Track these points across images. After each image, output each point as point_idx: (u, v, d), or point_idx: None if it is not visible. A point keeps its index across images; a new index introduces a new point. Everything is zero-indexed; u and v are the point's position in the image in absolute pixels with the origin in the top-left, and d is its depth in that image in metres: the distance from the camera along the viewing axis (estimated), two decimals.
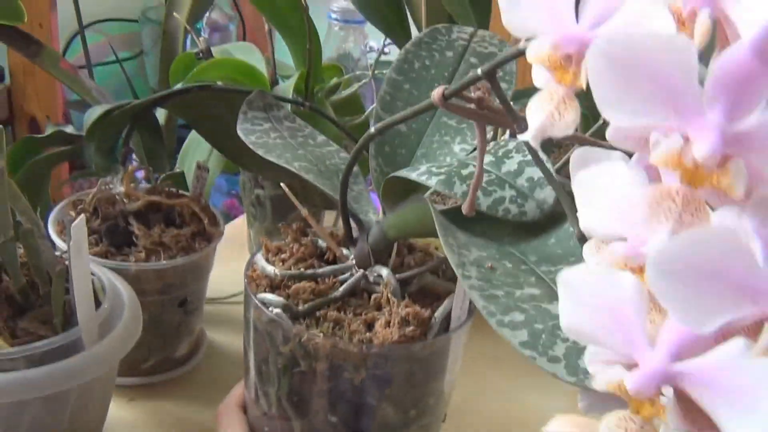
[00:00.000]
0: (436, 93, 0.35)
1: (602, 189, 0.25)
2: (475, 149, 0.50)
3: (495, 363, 0.77)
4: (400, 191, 0.46)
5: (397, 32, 0.81)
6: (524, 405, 0.71)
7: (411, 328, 0.44)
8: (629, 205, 0.23)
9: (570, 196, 0.27)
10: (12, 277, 0.51)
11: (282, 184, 0.49)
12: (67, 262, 0.51)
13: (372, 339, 0.45)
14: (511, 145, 0.43)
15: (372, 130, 0.43)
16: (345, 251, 0.50)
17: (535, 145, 0.26)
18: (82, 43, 1.08)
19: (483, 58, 0.53)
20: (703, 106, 0.21)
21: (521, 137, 0.27)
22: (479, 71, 0.33)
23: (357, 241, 0.48)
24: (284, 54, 0.91)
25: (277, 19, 0.85)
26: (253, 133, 0.52)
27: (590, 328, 0.23)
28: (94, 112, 0.66)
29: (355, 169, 0.53)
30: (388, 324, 0.44)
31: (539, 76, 0.27)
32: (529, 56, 0.26)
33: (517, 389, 0.74)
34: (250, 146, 0.50)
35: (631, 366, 0.23)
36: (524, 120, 0.31)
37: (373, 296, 0.47)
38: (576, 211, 0.27)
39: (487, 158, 0.43)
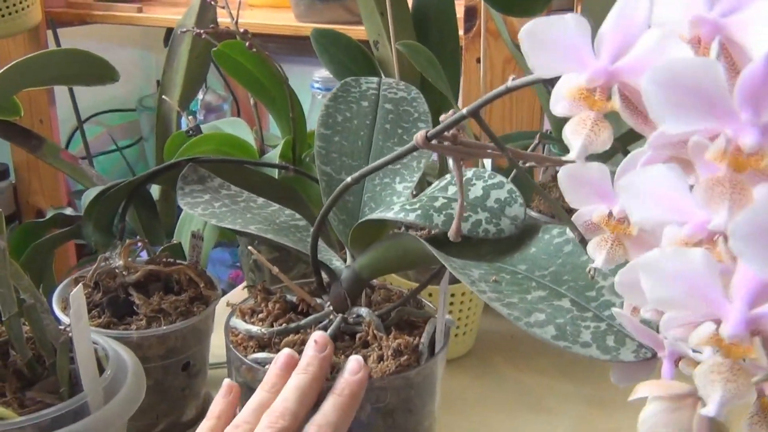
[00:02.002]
0: (419, 135, 0.38)
1: (649, 188, 0.30)
2: (427, 184, 0.54)
3: (498, 405, 0.79)
4: (371, 233, 0.49)
5: None
6: None
7: (405, 357, 0.47)
8: (680, 196, 0.29)
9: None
10: (19, 351, 0.54)
11: (249, 248, 0.52)
12: (70, 334, 0.54)
13: (371, 375, 0.47)
14: (469, 174, 0.47)
15: (349, 180, 0.46)
16: (319, 300, 0.52)
17: (581, 160, 0.32)
18: (81, 134, 1.14)
19: (395, 103, 0.59)
20: (736, 110, 0.27)
21: (568, 157, 0.32)
22: (464, 111, 0.37)
23: (329, 289, 0.51)
24: (276, 129, 0.96)
25: (260, 93, 0.90)
26: (197, 205, 0.55)
27: (673, 297, 0.29)
28: (92, 192, 0.70)
29: (304, 222, 0.56)
30: (380, 358, 0.47)
31: (559, 107, 0.33)
32: (562, 90, 0.32)
33: (518, 429, 0.75)
34: (199, 216, 0.53)
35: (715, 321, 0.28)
36: (509, 149, 0.36)
37: (358, 336, 0.49)
38: (569, 219, 0.35)
39: (452, 189, 0.46)
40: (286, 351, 0.47)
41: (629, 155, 0.33)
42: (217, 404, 0.49)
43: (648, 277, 0.29)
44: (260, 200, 0.60)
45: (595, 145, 0.31)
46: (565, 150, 0.32)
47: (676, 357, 0.34)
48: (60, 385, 0.53)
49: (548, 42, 0.32)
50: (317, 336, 0.47)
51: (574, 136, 0.32)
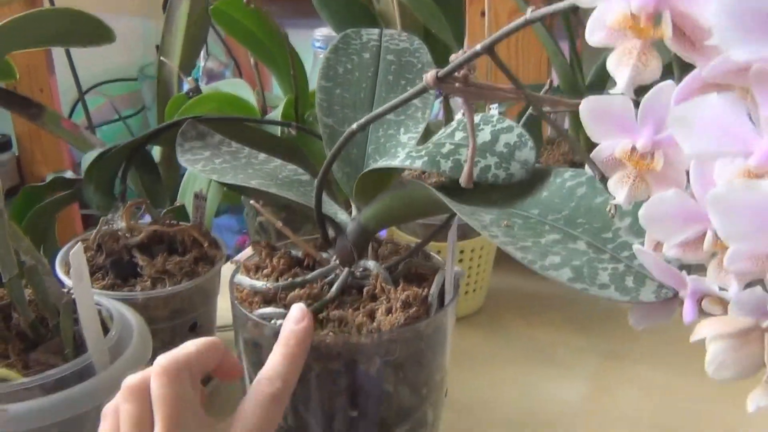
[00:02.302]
0: (429, 75, 0.37)
1: (706, 118, 0.28)
2: (425, 134, 0.52)
3: (512, 361, 0.78)
4: (376, 183, 0.48)
5: None
6: (539, 396, 0.72)
7: (414, 308, 0.45)
8: (741, 126, 0.27)
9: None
10: (21, 313, 0.53)
11: (252, 202, 0.51)
12: (73, 296, 0.53)
13: (380, 327, 0.46)
14: (477, 119, 0.45)
15: (354, 126, 0.45)
16: (324, 255, 0.51)
17: (629, 92, 0.30)
18: (82, 104, 1.12)
19: (398, 54, 0.57)
20: None
21: (615, 90, 0.30)
22: (478, 47, 0.36)
23: (335, 243, 0.50)
24: (280, 92, 0.94)
25: (260, 51, 0.88)
26: (197, 162, 0.54)
27: (742, 230, 0.27)
28: (92, 154, 0.68)
29: (307, 177, 0.55)
30: (389, 311, 0.45)
31: (597, 36, 0.31)
32: (605, 18, 0.30)
33: (533, 383, 0.74)
34: (199, 173, 0.52)
35: None
36: (526, 87, 0.34)
37: (365, 289, 0.48)
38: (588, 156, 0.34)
39: (460, 134, 0.45)
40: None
41: (654, 88, 0.31)
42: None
43: (717, 213, 0.28)
44: (262, 156, 0.58)
45: (643, 76, 0.30)
46: None
47: (699, 296, 0.32)
48: (64, 346, 0.53)
49: None
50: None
51: (619, 67, 0.30)
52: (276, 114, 0.81)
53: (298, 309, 0.45)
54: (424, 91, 0.39)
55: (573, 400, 0.71)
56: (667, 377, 0.75)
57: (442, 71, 0.38)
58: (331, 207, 0.54)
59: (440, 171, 0.44)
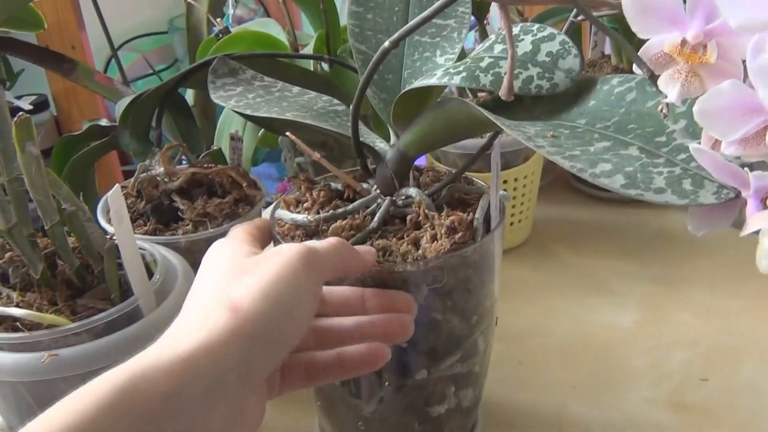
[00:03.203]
0: None
1: None
2: (461, 56, 0.50)
3: (562, 290, 0.77)
4: (414, 106, 0.46)
5: None
6: (591, 324, 0.71)
7: (459, 234, 0.44)
8: None
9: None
10: (66, 260, 0.53)
11: (287, 133, 0.49)
12: (116, 241, 0.53)
13: (425, 255, 0.45)
14: (516, 29, 0.43)
15: (387, 44, 0.43)
16: (365, 185, 0.50)
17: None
18: (115, 60, 1.11)
19: None
20: None
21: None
22: None
23: (374, 173, 0.48)
24: (311, 31, 0.92)
25: None
26: (230, 98, 0.53)
27: None
28: (125, 101, 0.67)
29: (343, 107, 0.53)
30: (434, 238, 0.44)
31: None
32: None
33: (584, 311, 0.73)
34: (232, 108, 0.50)
35: None
36: None
37: (408, 218, 0.46)
38: (635, 53, 0.33)
39: (499, 47, 0.43)
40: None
41: None
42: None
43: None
44: (296, 89, 0.57)
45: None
46: None
47: (764, 194, 0.30)
48: (110, 291, 0.53)
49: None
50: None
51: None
52: (308, 50, 0.79)
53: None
54: (452, 1, 0.37)
55: (626, 326, 0.70)
56: (723, 300, 0.73)
57: None
58: (369, 136, 0.52)
59: (480, 85, 0.42)
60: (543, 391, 0.62)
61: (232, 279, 0.38)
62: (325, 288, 0.44)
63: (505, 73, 0.39)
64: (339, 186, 0.52)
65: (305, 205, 0.50)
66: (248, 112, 0.51)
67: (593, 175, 0.33)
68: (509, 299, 0.71)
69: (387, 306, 0.43)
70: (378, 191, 0.49)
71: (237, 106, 0.52)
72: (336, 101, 0.55)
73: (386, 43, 0.41)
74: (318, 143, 0.77)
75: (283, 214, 0.50)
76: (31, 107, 1.42)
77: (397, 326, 0.42)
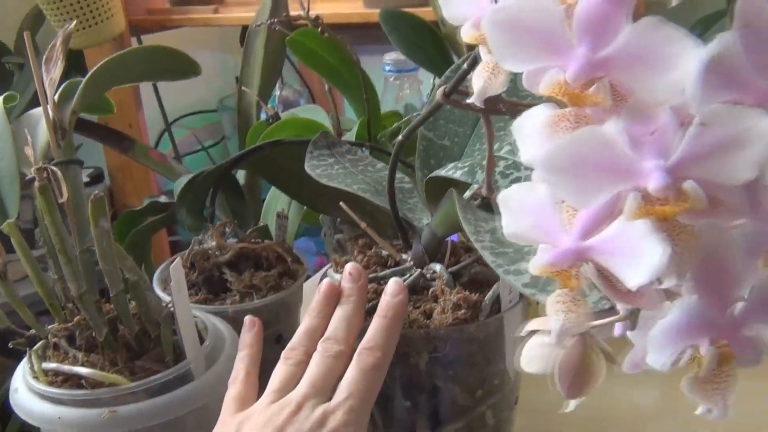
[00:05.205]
0: (439, 92, 0.40)
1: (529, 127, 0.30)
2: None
3: None
4: (440, 193, 0.51)
5: (443, 70, 0.87)
6: (613, 398, 0.73)
7: (462, 311, 0.48)
8: (538, 132, 0.29)
9: None
10: (126, 325, 0.58)
11: (341, 203, 0.55)
12: (172, 309, 0.58)
13: (430, 325, 0.49)
14: None
15: (400, 137, 0.49)
16: (404, 256, 0.55)
17: (479, 102, 0.33)
18: (169, 135, 1.19)
19: None
20: (573, 44, 0.27)
21: (470, 99, 0.33)
22: (464, 65, 0.39)
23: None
24: (353, 115, 0.98)
25: (334, 77, 0.93)
26: (318, 167, 0.58)
27: (523, 230, 0.30)
28: (184, 179, 0.74)
29: (410, 185, 0.58)
30: (443, 311, 0.49)
31: (467, 37, 0.33)
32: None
33: (604, 384, 0.75)
34: (315, 177, 0.56)
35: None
36: (507, 103, 0.37)
37: (431, 290, 0.51)
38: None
39: (507, 148, 0.48)
40: (326, 281, 0.50)
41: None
42: (245, 337, 0.54)
43: (506, 211, 0.30)
44: (379, 164, 0.62)
45: (492, 87, 0.32)
46: None
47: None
48: (165, 354, 0.58)
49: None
50: (350, 267, 0.50)
51: (476, 80, 0.32)
52: (350, 135, 0.86)
53: (395, 283, 0.49)
54: (439, 107, 0.42)
55: (647, 401, 0.72)
56: (746, 380, 0.75)
57: (448, 87, 0.40)
58: (415, 213, 0.57)
59: (474, 181, 0.47)
60: None
61: None
62: None
63: (499, 173, 0.44)
64: (387, 254, 0.57)
65: None
66: (323, 181, 0.56)
67: (506, 272, 0.38)
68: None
69: None
70: (411, 263, 0.54)
71: (319, 174, 0.57)
72: (407, 179, 0.60)
73: (399, 137, 0.47)
74: (367, 211, 0.82)
75: (331, 272, 0.55)
76: (88, 179, 1.51)
77: None
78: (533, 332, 0.35)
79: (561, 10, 0.27)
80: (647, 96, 0.26)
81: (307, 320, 0.51)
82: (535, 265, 0.28)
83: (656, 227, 0.25)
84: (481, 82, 0.32)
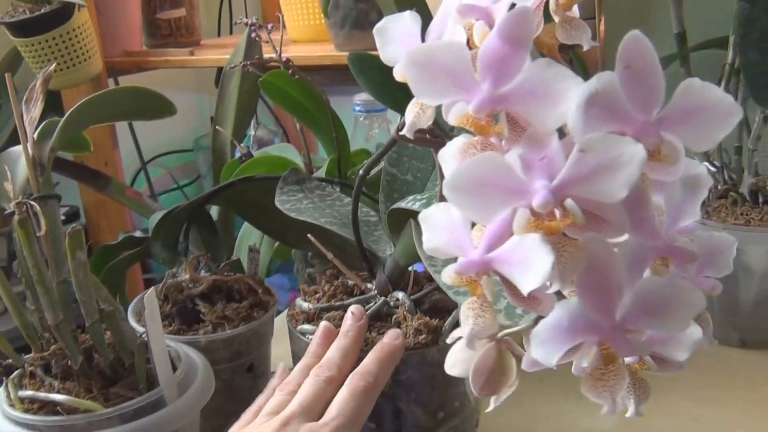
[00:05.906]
0: (394, 129, 0.43)
1: (448, 154, 0.34)
2: None
3: (545, 391, 0.82)
4: (402, 224, 0.54)
5: None
6: (576, 428, 0.76)
7: (423, 336, 0.51)
8: (452, 157, 0.33)
9: None
10: (102, 354, 0.60)
11: (309, 235, 0.58)
12: (146, 339, 0.60)
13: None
14: None
15: (361, 172, 0.52)
16: (369, 285, 0.58)
17: (410, 135, 0.36)
18: (145, 174, 1.22)
19: None
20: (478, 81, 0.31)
21: (402, 132, 0.37)
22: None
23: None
24: (325, 154, 1.02)
25: (305, 117, 0.96)
26: (287, 202, 0.61)
27: (440, 245, 0.33)
28: (158, 215, 0.76)
29: (376, 218, 0.61)
30: (405, 336, 0.52)
31: (398, 76, 0.37)
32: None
33: (568, 414, 0.78)
34: (285, 212, 0.59)
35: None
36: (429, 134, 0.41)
37: (394, 317, 0.54)
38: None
39: None
40: (324, 324, 0.53)
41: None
42: (275, 382, 0.56)
43: (426, 228, 0.33)
44: (347, 199, 0.65)
45: (421, 120, 0.36)
46: None
47: None
48: (139, 382, 0.60)
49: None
50: (354, 308, 0.53)
51: (408, 114, 0.36)
52: (321, 173, 0.89)
53: (394, 332, 0.52)
54: (394, 143, 0.46)
55: (608, 430, 0.75)
56: (712, 410, 0.77)
57: (400, 124, 0.44)
58: (379, 245, 0.60)
59: None
60: None
61: None
62: None
63: None
64: (353, 284, 0.60)
65: (317, 296, 0.58)
66: (293, 215, 0.59)
67: (456, 293, 0.41)
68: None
69: None
70: (375, 292, 0.57)
71: (288, 209, 0.60)
72: (372, 213, 0.64)
73: (361, 171, 0.50)
74: (336, 244, 0.85)
75: (299, 301, 0.58)
76: (64, 217, 1.53)
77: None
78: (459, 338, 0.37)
79: (469, 53, 0.31)
80: (540, 126, 0.30)
81: (304, 359, 0.54)
82: (445, 275, 0.32)
83: (544, 240, 0.29)
84: (411, 117, 0.36)
